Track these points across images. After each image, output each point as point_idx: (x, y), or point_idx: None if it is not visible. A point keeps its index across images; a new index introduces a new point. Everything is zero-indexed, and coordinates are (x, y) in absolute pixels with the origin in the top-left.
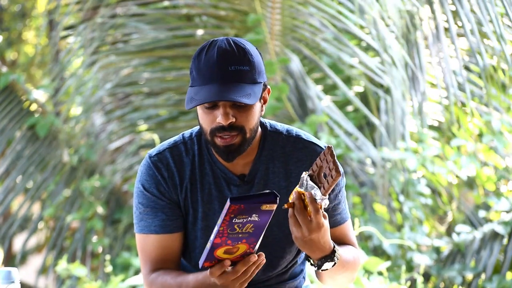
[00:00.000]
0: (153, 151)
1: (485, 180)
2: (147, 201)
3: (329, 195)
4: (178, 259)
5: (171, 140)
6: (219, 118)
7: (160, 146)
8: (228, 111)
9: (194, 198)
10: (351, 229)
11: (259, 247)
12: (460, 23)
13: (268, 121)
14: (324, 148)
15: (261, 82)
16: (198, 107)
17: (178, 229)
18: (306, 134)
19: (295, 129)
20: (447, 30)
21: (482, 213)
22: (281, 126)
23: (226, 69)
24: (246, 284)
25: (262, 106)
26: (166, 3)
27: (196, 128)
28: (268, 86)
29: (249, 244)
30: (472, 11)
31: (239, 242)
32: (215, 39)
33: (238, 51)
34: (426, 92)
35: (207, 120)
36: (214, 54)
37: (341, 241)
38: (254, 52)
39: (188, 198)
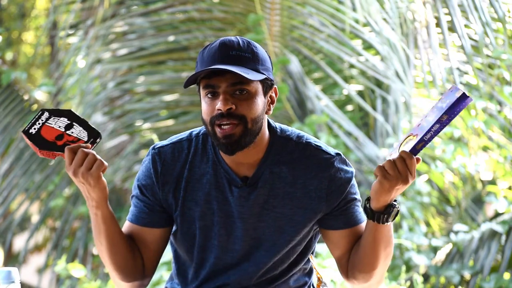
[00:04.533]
0: (158, 143)
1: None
2: (135, 191)
3: (344, 196)
4: (151, 256)
5: (179, 135)
6: (218, 105)
7: (168, 140)
8: (227, 98)
9: (191, 197)
10: None
11: (248, 252)
12: (459, 20)
13: (279, 125)
14: (335, 155)
15: (264, 75)
16: (202, 98)
17: (152, 224)
18: (316, 141)
19: (306, 135)
20: (451, 29)
21: (481, 212)
22: (292, 131)
23: (227, 53)
24: None
25: (269, 105)
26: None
27: (195, 130)
28: (275, 86)
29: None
30: (475, 9)
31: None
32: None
33: (242, 41)
34: (418, 88)
35: (208, 110)
36: (217, 43)
37: (353, 244)
38: (260, 48)
39: (183, 196)
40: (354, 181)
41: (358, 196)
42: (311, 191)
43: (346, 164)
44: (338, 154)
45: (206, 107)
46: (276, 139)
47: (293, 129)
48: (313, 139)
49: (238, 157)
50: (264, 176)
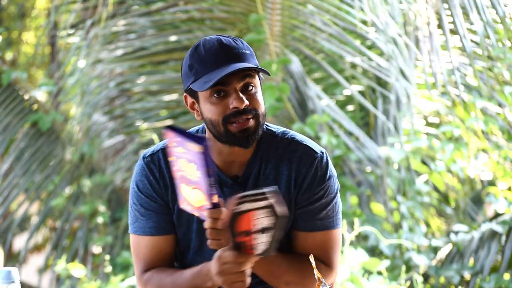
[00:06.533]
0: (147, 151)
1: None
2: (141, 202)
3: (309, 196)
4: (172, 261)
5: (165, 140)
6: (234, 103)
7: (154, 146)
8: (241, 95)
9: None
10: (334, 243)
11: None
12: (459, 20)
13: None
14: (319, 152)
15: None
16: (204, 100)
17: (171, 231)
18: (302, 137)
19: (291, 131)
20: (453, 32)
21: (481, 212)
22: (277, 128)
23: (231, 52)
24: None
25: None
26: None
27: (192, 129)
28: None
29: (204, 192)
30: (478, 12)
31: (192, 185)
32: (204, 38)
33: (234, 40)
34: (420, 89)
35: (217, 110)
36: (215, 44)
37: (313, 250)
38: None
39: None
40: (330, 183)
41: (325, 202)
42: (291, 185)
43: (328, 165)
44: (322, 152)
45: (214, 107)
46: (263, 136)
47: (278, 126)
48: (298, 136)
49: (230, 156)
50: (254, 174)
